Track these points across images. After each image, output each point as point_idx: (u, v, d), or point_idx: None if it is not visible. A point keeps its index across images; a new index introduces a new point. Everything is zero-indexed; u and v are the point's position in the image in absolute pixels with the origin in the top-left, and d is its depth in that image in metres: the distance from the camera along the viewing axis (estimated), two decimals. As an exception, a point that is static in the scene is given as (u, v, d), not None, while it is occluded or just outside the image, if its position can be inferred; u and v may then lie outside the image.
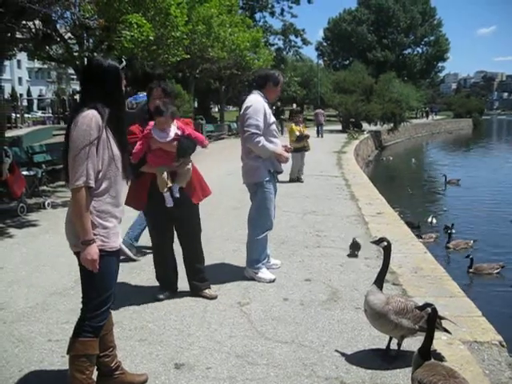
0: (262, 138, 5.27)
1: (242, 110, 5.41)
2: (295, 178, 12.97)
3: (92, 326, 3.12)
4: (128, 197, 4.59)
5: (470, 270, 9.73)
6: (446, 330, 3.74)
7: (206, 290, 5.03)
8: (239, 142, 5.66)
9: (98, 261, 2.97)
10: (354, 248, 6.46)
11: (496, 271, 9.93)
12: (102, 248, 3.02)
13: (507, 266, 10.17)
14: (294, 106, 34.05)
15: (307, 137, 13.58)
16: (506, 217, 14.26)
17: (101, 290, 3.11)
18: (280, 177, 11.50)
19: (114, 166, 3.08)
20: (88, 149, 2.90)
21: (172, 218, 4.85)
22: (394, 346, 3.88)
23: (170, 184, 4.67)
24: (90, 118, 2.93)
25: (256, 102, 5.35)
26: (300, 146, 13.12)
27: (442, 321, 3.72)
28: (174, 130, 4.64)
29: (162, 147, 4.64)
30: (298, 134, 13.21)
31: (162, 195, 4.68)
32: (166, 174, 4.66)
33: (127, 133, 4.65)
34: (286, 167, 12.67)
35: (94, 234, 2.98)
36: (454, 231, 12.50)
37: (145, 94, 6.22)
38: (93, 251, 2.94)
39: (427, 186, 22.44)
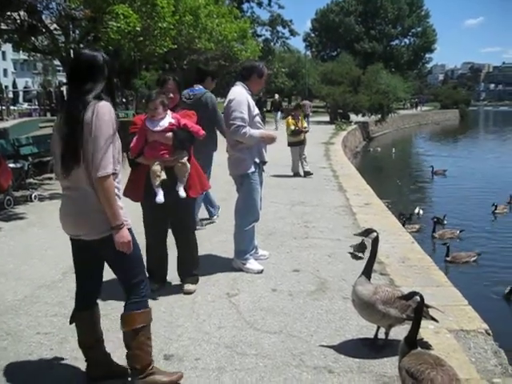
0: (248, 129, 5.29)
1: (226, 103, 5.42)
2: (298, 173, 12.72)
3: (143, 297, 3.33)
4: (126, 188, 4.57)
5: (447, 259, 9.81)
6: (433, 319, 3.77)
7: (185, 285, 5.02)
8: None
9: (131, 241, 3.16)
10: (360, 249, 6.01)
11: (473, 259, 10.05)
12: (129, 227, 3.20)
13: (486, 255, 10.33)
14: (277, 96, 33.87)
15: (305, 131, 13.17)
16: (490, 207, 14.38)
17: (138, 261, 3.36)
18: (288, 172, 11.54)
19: (120, 151, 3.22)
20: (112, 138, 3.04)
21: (167, 211, 4.85)
22: (381, 335, 3.91)
23: (163, 177, 4.64)
24: (109, 108, 3.05)
25: (239, 95, 5.35)
26: (297, 140, 12.90)
27: (429, 309, 3.75)
28: (167, 120, 4.61)
29: (157, 139, 4.61)
30: (293, 128, 12.90)
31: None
32: (158, 167, 4.63)
33: (131, 123, 4.83)
34: (287, 162, 12.77)
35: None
36: (446, 222, 12.61)
37: (200, 86, 7.10)
38: (126, 233, 3.12)
39: (414, 176, 22.55)
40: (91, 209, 3.10)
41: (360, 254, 5.94)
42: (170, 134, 4.58)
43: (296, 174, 12.68)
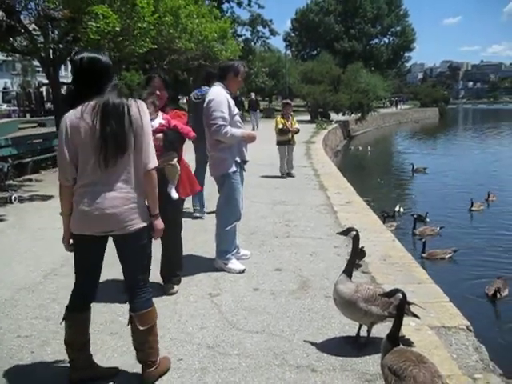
0: (229, 128, 5.30)
1: (206, 104, 5.41)
2: (285, 173, 12.36)
3: (150, 292, 3.48)
4: None
5: (423, 255, 9.90)
6: (414, 315, 3.81)
7: (168, 286, 5.01)
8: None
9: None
10: (358, 256, 5.36)
11: (448, 256, 10.16)
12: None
13: (464, 251, 10.44)
14: (253, 95, 33.85)
15: (293, 131, 12.64)
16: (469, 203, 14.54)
17: (150, 259, 3.50)
18: (270, 171, 11.41)
19: None
20: None
21: None
22: (363, 333, 3.94)
23: None
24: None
25: (218, 95, 5.36)
26: (284, 140, 12.54)
27: (411, 306, 3.79)
28: (158, 121, 4.60)
29: None
30: (280, 126, 12.50)
31: None
32: None
33: None
34: (269, 161, 12.70)
35: (145, 211, 3.31)
36: (428, 220, 12.72)
37: (207, 87, 7.22)
38: (161, 221, 3.39)
39: (395, 174, 22.73)
40: (130, 203, 3.18)
41: (359, 262, 5.57)
42: (160, 135, 4.57)
43: (282, 175, 12.34)
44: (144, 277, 3.42)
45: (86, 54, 3.22)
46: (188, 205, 7.47)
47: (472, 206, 14.20)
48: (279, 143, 12.67)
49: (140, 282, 3.39)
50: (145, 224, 3.26)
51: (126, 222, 3.18)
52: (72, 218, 3.23)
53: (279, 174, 12.36)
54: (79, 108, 3.12)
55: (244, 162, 5.65)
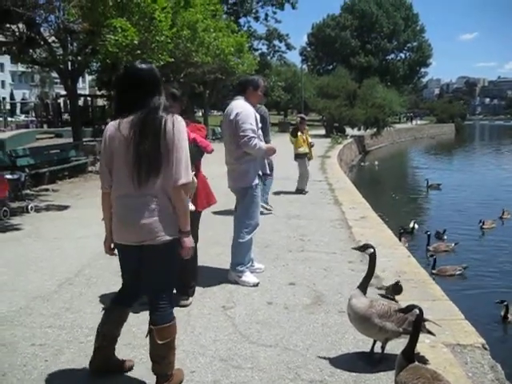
0: (257, 141, 5.38)
1: (233, 116, 5.41)
2: (302, 190, 11.99)
3: (171, 308, 3.43)
4: None
5: (433, 271, 9.82)
6: (429, 332, 3.77)
7: (182, 297, 5.00)
8: (223, 146, 5.69)
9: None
10: (395, 291, 5.08)
11: (458, 272, 10.11)
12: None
13: (478, 268, 10.43)
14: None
15: (311, 145, 12.60)
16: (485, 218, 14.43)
17: (175, 274, 3.51)
18: (279, 185, 11.27)
19: None
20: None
21: None
22: (377, 349, 3.91)
23: None
24: (183, 121, 3.27)
25: (246, 108, 5.42)
26: (301, 153, 12.29)
27: (426, 323, 3.75)
28: None
29: None
30: (302, 150, 12.20)
31: None
32: None
33: None
34: (284, 175, 12.57)
35: (175, 221, 3.28)
36: (446, 237, 12.65)
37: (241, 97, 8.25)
38: (192, 239, 3.36)
39: (410, 190, 22.63)
40: (162, 214, 3.22)
41: (394, 297, 4.97)
42: None
43: (300, 190, 11.98)
44: (167, 291, 3.42)
45: (132, 64, 3.33)
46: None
47: (483, 224, 14.06)
48: (299, 156, 12.31)
49: (162, 295, 3.38)
50: (174, 237, 3.27)
51: (157, 232, 3.21)
52: (113, 227, 3.36)
53: (294, 190, 12.12)
54: (118, 119, 3.22)
55: (265, 174, 5.70)
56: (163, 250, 3.27)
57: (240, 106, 5.46)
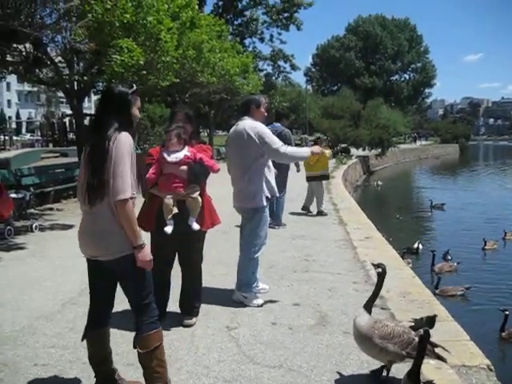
0: (286, 146, 5.47)
1: (252, 133, 5.39)
2: (322, 211, 11.81)
3: (155, 317, 3.49)
4: (138, 218, 4.59)
5: (436, 292, 9.76)
6: (439, 358, 3.69)
7: (186, 317, 4.99)
8: (227, 167, 5.71)
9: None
10: (428, 323, 4.10)
11: (460, 292, 10.08)
12: None
13: (481, 288, 10.42)
14: None
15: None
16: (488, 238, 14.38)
17: (149, 283, 3.47)
18: (291, 207, 11.19)
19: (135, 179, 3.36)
20: (130, 165, 3.22)
21: (177, 243, 4.86)
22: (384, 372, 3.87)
23: (175, 211, 4.66)
24: (128, 137, 3.26)
25: (259, 124, 5.49)
26: (321, 175, 12.25)
27: (435, 348, 3.69)
28: (183, 153, 4.66)
29: (172, 172, 4.65)
30: (330, 154, 12.20)
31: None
32: (171, 200, 4.65)
33: (147, 154, 5.03)
34: (290, 196, 12.52)
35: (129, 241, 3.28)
36: (450, 257, 12.61)
37: (278, 124, 10.40)
38: (147, 252, 3.33)
39: (414, 210, 22.60)
40: (109, 230, 3.25)
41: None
42: (184, 167, 4.62)
43: (320, 212, 11.81)
44: (142, 301, 3.43)
45: (108, 85, 3.49)
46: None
47: (485, 244, 14.01)
48: (317, 178, 12.14)
49: (139, 305, 3.43)
50: (128, 252, 3.28)
51: (109, 249, 3.28)
52: None
53: (300, 210, 12.03)
54: None
55: (273, 196, 5.71)
56: (122, 265, 3.31)
57: (252, 124, 5.49)
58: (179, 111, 5.01)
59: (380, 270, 3.99)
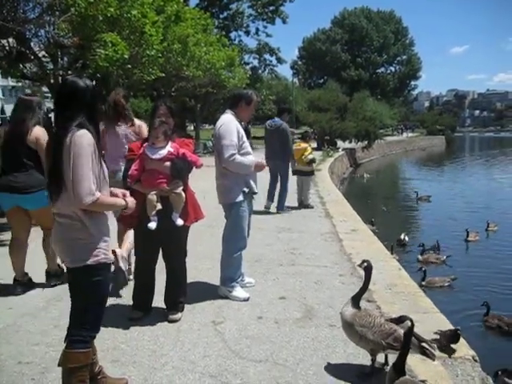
0: (237, 156, 5.29)
1: (215, 130, 5.45)
2: (308, 204, 11.82)
3: (91, 336, 3.29)
4: (120, 214, 4.56)
5: (423, 283, 9.81)
6: (426, 354, 3.62)
7: (171, 313, 4.96)
8: (214, 161, 5.67)
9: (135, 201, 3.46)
10: (449, 338, 4.32)
11: (447, 284, 10.16)
12: (104, 261, 3.21)
13: (465, 279, 10.54)
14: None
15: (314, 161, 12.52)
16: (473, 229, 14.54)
17: (103, 299, 3.33)
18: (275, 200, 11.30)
19: (105, 181, 3.24)
20: (91, 166, 3.05)
21: (160, 239, 4.84)
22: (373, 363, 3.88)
23: (158, 207, 4.64)
24: (87, 137, 3.06)
25: (228, 122, 5.38)
26: (310, 170, 12.33)
27: (424, 344, 3.66)
28: (167, 149, 4.64)
29: (155, 168, 4.62)
30: (311, 156, 12.12)
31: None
32: (154, 197, 4.63)
33: (128, 149, 4.98)
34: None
35: (97, 248, 3.16)
36: (438, 250, 12.67)
37: (279, 119, 11.05)
38: (132, 202, 3.41)
39: (400, 202, 22.69)
40: (70, 237, 3.15)
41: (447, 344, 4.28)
42: (168, 163, 4.60)
43: (307, 206, 11.78)
44: (79, 319, 3.24)
45: (67, 78, 3.34)
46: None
47: (468, 236, 14.09)
48: (304, 174, 12.11)
49: (75, 321, 3.26)
50: (88, 263, 3.13)
51: (71, 256, 3.18)
52: None
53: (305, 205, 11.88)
54: None
55: (253, 193, 5.64)
56: (77, 275, 3.20)
57: (222, 120, 5.45)
58: (161, 105, 4.97)
59: (365, 264, 4.02)
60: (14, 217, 5.86)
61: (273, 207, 11.31)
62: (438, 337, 4.30)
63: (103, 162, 3.22)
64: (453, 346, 4.22)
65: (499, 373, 6.27)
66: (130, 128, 6.03)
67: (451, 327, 4.67)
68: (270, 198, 11.33)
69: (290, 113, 11.93)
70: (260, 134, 38.57)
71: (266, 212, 10.93)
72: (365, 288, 4.03)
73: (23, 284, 5.94)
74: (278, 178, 11.31)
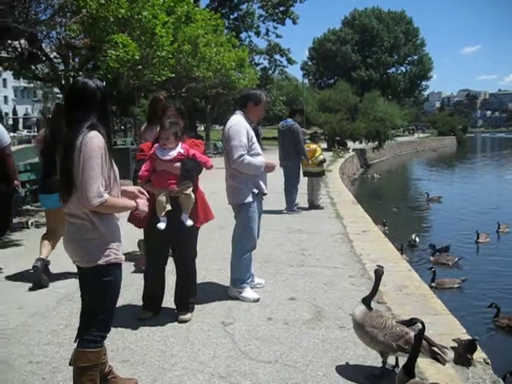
0: (246, 157, 5.30)
1: (225, 131, 5.46)
2: (318, 205, 11.78)
3: (102, 336, 3.29)
4: (130, 214, 4.58)
5: (432, 284, 9.76)
6: (436, 359, 3.57)
7: (181, 313, 4.96)
8: (223, 161, 5.68)
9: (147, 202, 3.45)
10: (467, 349, 4.11)
11: (457, 285, 10.10)
12: (115, 261, 3.23)
13: (477, 281, 10.47)
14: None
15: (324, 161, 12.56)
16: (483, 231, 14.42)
17: (113, 300, 3.33)
18: (281, 198, 11.29)
19: (116, 182, 3.24)
20: (101, 166, 3.05)
21: (170, 239, 4.86)
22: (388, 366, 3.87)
23: (168, 208, 4.65)
24: (97, 138, 3.06)
25: (237, 124, 5.38)
26: (320, 171, 12.37)
27: (434, 348, 3.62)
28: (177, 150, 4.65)
29: (166, 169, 4.64)
30: (322, 157, 12.20)
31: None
32: (164, 197, 4.64)
33: (138, 150, 4.99)
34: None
35: (108, 248, 3.17)
36: (448, 253, 12.61)
37: (291, 120, 11.24)
38: (143, 204, 3.41)
39: (411, 203, 22.60)
40: (81, 237, 3.16)
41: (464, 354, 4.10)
42: (178, 164, 4.62)
43: (318, 206, 11.74)
44: (90, 318, 3.27)
45: (77, 79, 3.31)
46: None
47: (478, 238, 13.98)
48: (316, 175, 12.13)
49: (86, 321, 3.29)
50: (99, 263, 3.16)
51: (82, 256, 3.20)
52: None
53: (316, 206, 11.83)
54: None
55: (262, 194, 5.64)
56: (90, 275, 3.22)
57: (232, 121, 5.45)
58: (170, 106, 4.99)
59: (376, 267, 4.02)
60: (57, 215, 6.05)
61: (284, 204, 11.40)
62: (455, 345, 4.13)
63: (113, 163, 3.22)
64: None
65: (508, 375, 6.22)
66: None
67: (462, 329, 4.65)
68: (293, 200, 11.36)
69: (302, 114, 12.20)
70: (270, 135, 38.77)
71: (276, 213, 10.91)
72: (374, 292, 4.01)
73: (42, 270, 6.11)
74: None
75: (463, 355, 4.04)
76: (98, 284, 3.21)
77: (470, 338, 4.30)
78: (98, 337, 3.25)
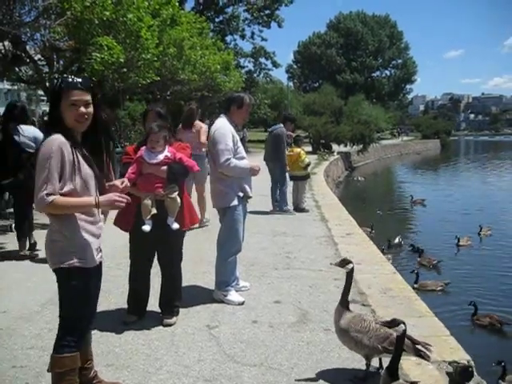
0: (233, 160, 5.31)
1: (210, 135, 5.47)
2: (303, 208, 11.79)
3: (74, 341, 3.22)
4: (116, 217, 4.57)
5: (415, 286, 9.82)
6: (420, 356, 3.63)
7: (165, 317, 4.95)
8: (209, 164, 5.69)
9: (118, 199, 3.14)
10: (463, 376, 3.94)
11: (439, 288, 10.22)
12: (79, 266, 3.14)
13: (460, 284, 10.66)
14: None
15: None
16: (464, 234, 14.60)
17: (78, 306, 3.22)
18: (265, 201, 11.28)
19: (84, 185, 3.12)
20: (53, 171, 2.96)
21: (155, 243, 4.84)
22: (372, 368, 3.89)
23: (153, 212, 4.64)
24: (59, 141, 3.00)
25: (222, 127, 5.40)
26: (305, 174, 12.39)
27: (418, 346, 3.67)
28: (164, 154, 4.65)
29: (152, 172, 4.63)
30: (307, 160, 12.24)
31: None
32: (150, 201, 4.63)
33: (123, 153, 4.97)
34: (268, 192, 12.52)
35: (71, 252, 3.10)
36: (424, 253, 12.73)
37: (280, 124, 11.75)
38: (107, 200, 3.13)
39: (395, 206, 22.73)
40: (50, 238, 3.18)
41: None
42: (164, 168, 4.61)
43: (303, 209, 11.73)
44: (63, 322, 3.27)
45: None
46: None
47: (459, 241, 14.10)
48: (301, 178, 12.15)
49: (60, 322, 3.29)
50: (61, 266, 3.13)
51: (48, 257, 3.21)
52: None
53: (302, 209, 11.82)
54: None
55: (247, 197, 5.64)
56: (58, 277, 3.22)
57: (216, 125, 5.48)
58: (151, 110, 4.99)
59: (351, 266, 4.02)
60: None
61: (269, 207, 11.53)
62: (451, 369, 3.98)
63: (87, 165, 3.14)
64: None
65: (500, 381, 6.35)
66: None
67: (446, 331, 4.70)
68: (275, 200, 11.64)
69: (294, 122, 12.86)
70: (255, 137, 38.70)
71: (261, 215, 10.92)
72: (347, 291, 4.03)
73: None
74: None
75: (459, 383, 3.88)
76: (62, 288, 3.21)
77: (465, 362, 4.15)
78: (71, 342, 3.20)
